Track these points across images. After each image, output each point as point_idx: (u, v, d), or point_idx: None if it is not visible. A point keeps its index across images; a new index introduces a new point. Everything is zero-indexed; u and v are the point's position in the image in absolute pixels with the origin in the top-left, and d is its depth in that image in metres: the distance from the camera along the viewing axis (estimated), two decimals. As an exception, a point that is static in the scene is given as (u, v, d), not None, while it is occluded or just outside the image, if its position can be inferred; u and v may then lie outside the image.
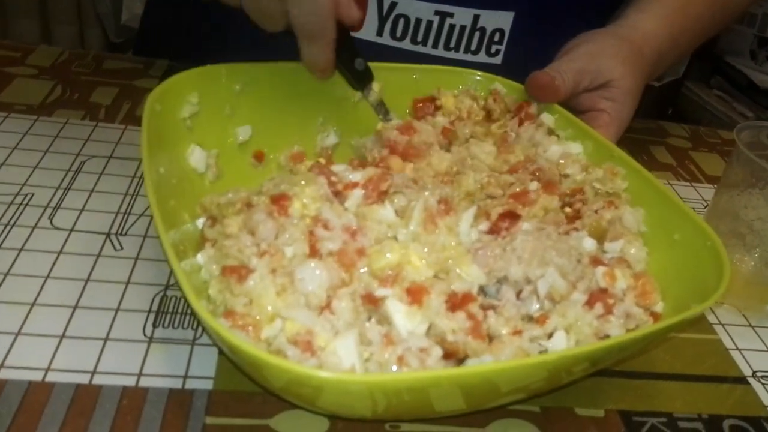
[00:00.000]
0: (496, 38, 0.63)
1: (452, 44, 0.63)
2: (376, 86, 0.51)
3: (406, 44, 0.63)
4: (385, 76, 0.52)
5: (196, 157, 0.45)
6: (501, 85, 0.54)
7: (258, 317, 0.33)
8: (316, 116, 0.52)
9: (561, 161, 0.47)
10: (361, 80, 0.51)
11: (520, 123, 0.51)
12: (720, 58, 1.72)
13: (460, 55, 0.64)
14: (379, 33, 0.62)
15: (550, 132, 0.51)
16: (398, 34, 0.62)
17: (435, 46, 0.63)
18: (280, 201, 0.38)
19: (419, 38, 0.62)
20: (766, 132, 0.53)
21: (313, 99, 0.51)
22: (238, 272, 0.34)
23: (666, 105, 1.79)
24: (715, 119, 1.65)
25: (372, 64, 0.51)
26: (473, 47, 0.63)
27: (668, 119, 1.80)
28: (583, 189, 0.45)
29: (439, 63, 0.60)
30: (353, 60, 0.50)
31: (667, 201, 0.42)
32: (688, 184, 0.66)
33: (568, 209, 0.44)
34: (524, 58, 0.58)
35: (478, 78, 0.55)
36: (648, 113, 1.87)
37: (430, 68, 0.55)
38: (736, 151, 0.49)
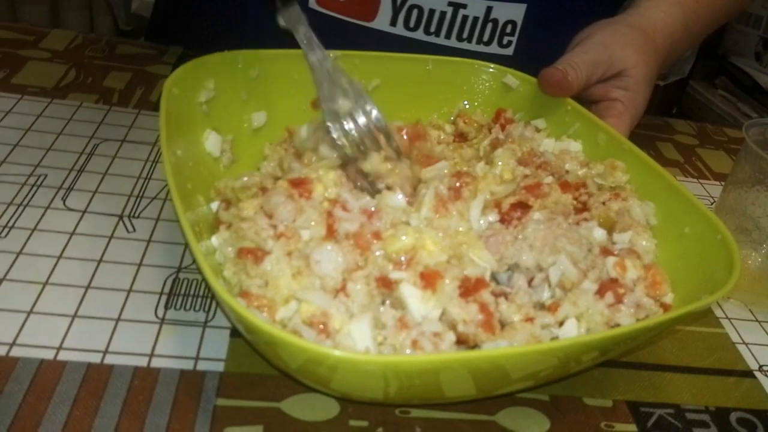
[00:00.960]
0: (509, 30, 0.63)
1: (465, 35, 0.63)
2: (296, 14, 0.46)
3: (419, 35, 0.63)
4: (399, 66, 0.52)
5: (212, 141, 0.45)
6: (513, 77, 0.54)
7: (274, 298, 0.34)
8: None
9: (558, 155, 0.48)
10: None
11: (503, 128, 0.51)
12: (725, 59, 1.72)
13: (473, 46, 0.64)
14: (393, 23, 0.63)
15: (538, 130, 0.52)
16: (411, 24, 0.62)
17: (448, 36, 0.63)
18: (301, 185, 0.39)
19: (432, 29, 0.63)
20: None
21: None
22: (254, 254, 0.35)
23: (671, 104, 1.79)
24: (720, 119, 1.65)
25: (386, 54, 0.51)
26: (485, 38, 0.63)
27: (673, 118, 1.80)
28: (586, 183, 0.45)
29: (452, 54, 0.60)
30: None
31: (678, 194, 0.43)
32: (696, 180, 0.66)
33: (575, 201, 0.45)
34: (536, 49, 0.58)
35: (490, 70, 0.55)
36: (653, 112, 1.87)
37: (443, 59, 0.55)
38: (744, 148, 0.49)
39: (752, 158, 0.49)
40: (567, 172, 0.46)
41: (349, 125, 0.42)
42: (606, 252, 0.40)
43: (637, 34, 0.56)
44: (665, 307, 0.38)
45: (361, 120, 0.42)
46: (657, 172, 0.45)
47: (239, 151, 0.47)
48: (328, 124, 0.41)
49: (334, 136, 0.41)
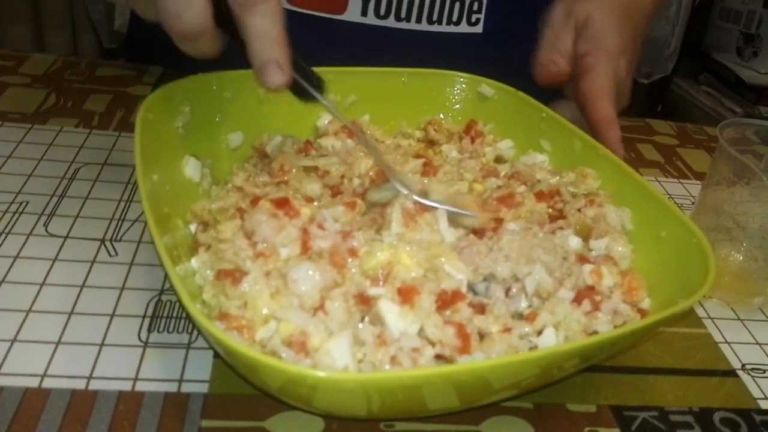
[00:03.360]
0: (475, 8, 0.65)
1: (435, 17, 0.64)
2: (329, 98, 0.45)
3: (390, 22, 0.64)
4: (374, 80, 0.53)
5: (191, 167, 0.45)
6: (487, 86, 0.55)
7: (253, 319, 0.34)
8: (306, 119, 0.53)
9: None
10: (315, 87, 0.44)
11: (472, 141, 0.52)
12: (708, 55, 1.74)
13: (443, 28, 0.65)
14: (364, 14, 0.64)
15: (499, 159, 0.53)
16: (382, 12, 0.64)
17: (419, 20, 0.64)
18: (284, 206, 0.39)
19: (402, 15, 0.64)
20: (752, 129, 0.54)
21: (302, 104, 0.52)
22: (232, 275, 0.35)
23: (656, 102, 1.80)
24: (704, 115, 1.66)
25: (360, 69, 0.52)
26: (455, 18, 0.65)
27: (658, 115, 1.82)
28: (560, 191, 0.46)
29: (424, 37, 0.62)
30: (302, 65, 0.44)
31: (653, 199, 0.43)
32: (676, 180, 0.67)
33: (550, 210, 0.45)
34: (504, 24, 0.59)
35: (464, 80, 0.56)
36: (638, 110, 1.89)
37: (417, 71, 0.55)
38: (719, 148, 0.50)
39: (727, 159, 0.50)
40: (538, 181, 0.47)
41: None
42: (582, 259, 0.40)
43: None
44: (642, 313, 0.39)
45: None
46: (632, 177, 0.45)
47: (218, 172, 0.48)
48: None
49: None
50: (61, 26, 1.73)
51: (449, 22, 0.65)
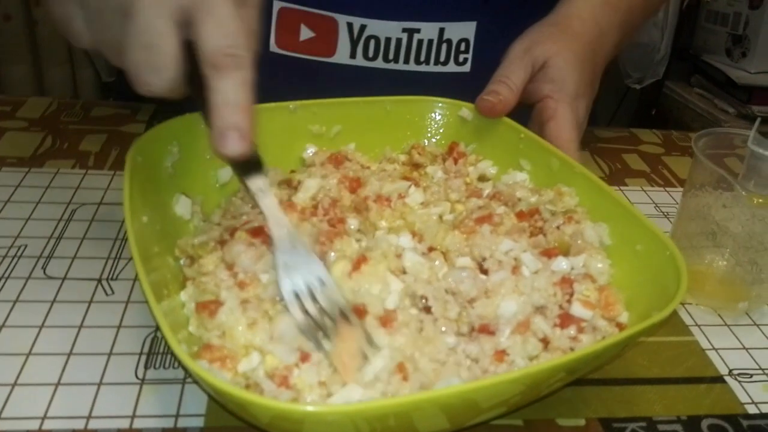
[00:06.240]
0: (463, 48, 0.66)
1: (422, 58, 0.66)
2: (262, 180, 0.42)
3: (378, 63, 0.66)
4: (358, 110, 0.54)
5: (182, 205, 0.47)
6: (467, 110, 0.56)
7: (233, 349, 0.35)
8: (292, 152, 0.54)
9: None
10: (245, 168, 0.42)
11: (455, 161, 0.53)
12: (698, 57, 1.75)
13: (431, 68, 0.66)
14: (353, 56, 0.65)
15: (482, 178, 0.54)
16: (370, 54, 0.65)
17: (406, 61, 0.66)
18: (260, 234, 0.40)
19: (390, 56, 0.65)
20: (731, 137, 0.54)
21: (288, 136, 0.54)
22: (208, 307, 0.36)
23: (649, 106, 1.81)
24: (698, 117, 1.67)
25: (344, 100, 0.53)
26: (442, 58, 0.66)
27: (652, 119, 1.82)
28: (539, 209, 0.47)
29: (413, 77, 0.63)
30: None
31: (628, 214, 0.44)
32: (662, 189, 0.68)
33: (531, 228, 0.46)
34: (491, 63, 0.61)
35: (445, 105, 0.57)
36: (632, 115, 1.90)
37: (400, 99, 0.57)
38: (695, 159, 0.51)
39: (703, 169, 0.50)
40: (519, 200, 0.48)
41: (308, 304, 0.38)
42: (564, 282, 0.41)
43: (551, 28, 0.59)
44: (620, 326, 0.40)
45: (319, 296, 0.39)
46: (607, 194, 0.46)
47: (208, 208, 0.49)
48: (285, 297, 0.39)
49: (291, 310, 0.38)
50: (60, 62, 1.77)
51: (437, 62, 0.66)
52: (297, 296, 0.38)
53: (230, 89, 0.36)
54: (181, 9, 0.35)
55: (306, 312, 0.37)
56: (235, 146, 0.36)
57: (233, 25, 0.36)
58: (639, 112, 1.82)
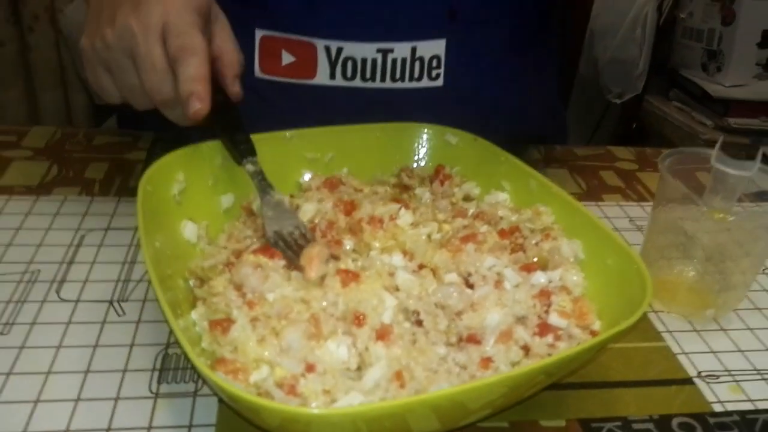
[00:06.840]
0: (435, 64, 0.70)
1: (397, 75, 0.70)
2: (254, 163, 0.53)
3: (357, 82, 0.70)
4: (350, 136, 0.58)
5: (189, 230, 0.51)
6: (451, 134, 0.61)
7: (245, 362, 0.39)
8: (290, 177, 0.58)
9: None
10: (242, 154, 0.53)
11: (442, 183, 0.57)
12: (676, 72, 1.81)
13: (406, 84, 0.71)
14: (332, 77, 0.69)
15: (467, 198, 0.58)
16: (349, 74, 0.69)
17: (383, 79, 0.70)
18: (266, 252, 0.44)
19: (368, 75, 0.69)
20: (696, 156, 0.58)
21: (285, 162, 0.57)
22: (222, 325, 0.40)
23: (630, 120, 1.87)
24: (677, 129, 1.73)
25: (336, 128, 0.57)
26: (416, 75, 0.70)
27: (633, 132, 1.87)
28: (519, 227, 0.51)
29: (390, 94, 0.67)
30: (235, 133, 0.53)
31: (599, 231, 0.49)
32: (636, 204, 0.72)
33: (512, 245, 0.50)
34: (463, 77, 0.64)
35: (431, 131, 0.61)
36: (614, 128, 1.95)
37: (389, 126, 0.61)
38: (661, 177, 0.55)
39: (669, 186, 0.55)
40: (501, 218, 0.52)
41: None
42: (543, 294, 0.45)
43: None
44: (594, 334, 0.44)
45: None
46: (581, 213, 0.50)
47: (213, 232, 0.53)
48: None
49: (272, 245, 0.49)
50: (53, 86, 1.79)
51: (411, 79, 0.70)
52: (279, 238, 0.49)
53: (187, 69, 0.47)
54: (159, 33, 0.48)
55: (285, 246, 0.49)
56: (195, 105, 0.47)
57: (184, 27, 0.48)
58: (620, 126, 1.88)
